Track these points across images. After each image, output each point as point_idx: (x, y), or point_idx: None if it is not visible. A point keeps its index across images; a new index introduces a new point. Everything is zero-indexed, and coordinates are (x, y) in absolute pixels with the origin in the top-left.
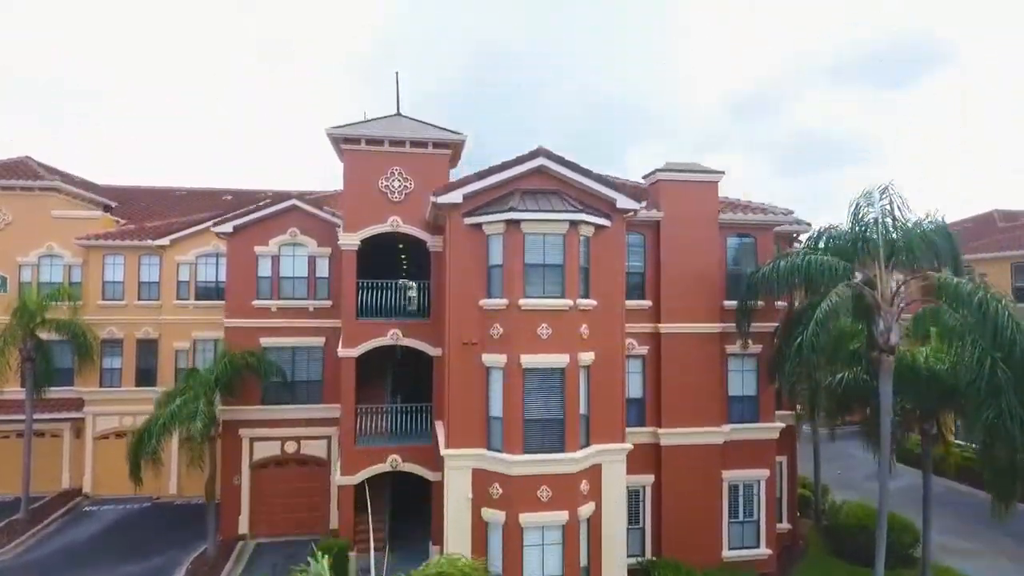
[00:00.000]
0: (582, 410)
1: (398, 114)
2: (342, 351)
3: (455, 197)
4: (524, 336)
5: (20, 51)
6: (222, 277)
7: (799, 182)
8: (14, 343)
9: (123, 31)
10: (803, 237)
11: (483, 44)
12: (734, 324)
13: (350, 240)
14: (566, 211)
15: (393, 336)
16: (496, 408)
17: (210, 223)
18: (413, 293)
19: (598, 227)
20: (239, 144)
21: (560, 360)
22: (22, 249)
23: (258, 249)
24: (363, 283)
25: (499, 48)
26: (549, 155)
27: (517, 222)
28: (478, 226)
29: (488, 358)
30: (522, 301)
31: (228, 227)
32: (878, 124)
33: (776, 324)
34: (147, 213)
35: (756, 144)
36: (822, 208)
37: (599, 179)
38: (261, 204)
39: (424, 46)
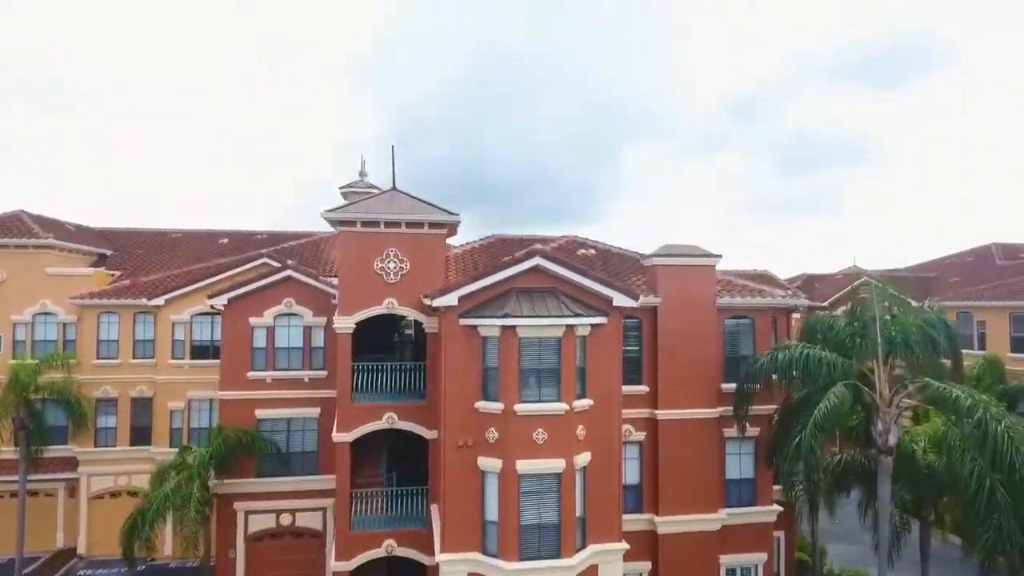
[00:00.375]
0: (578, 512)
1: (394, 189)
2: (337, 436)
3: (451, 300)
4: (519, 442)
5: (20, 51)
6: (217, 336)
7: (799, 182)
8: (7, 413)
9: (123, 31)
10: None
11: (483, 44)
12: (732, 407)
13: (345, 323)
14: (562, 316)
15: (388, 420)
16: (491, 512)
17: (205, 282)
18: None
19: (595, 324)
20: (239, 145)
21: (556, 465)
22: (16, 307)
23: (253, 320)
24: (358, 365)
25: (499, 48)
26: (544, 255)
27: (513, 327)
28: (474, 326)
29: (483, 462)
30: (518, 407)
31: (223, 300)
32: (878, 124)
33: (775, 406)
34: (142, 262)
35: (756, 144)
36: (822, 208)
37: (596, 278)
38: (257, 261)
39: (424, 46)
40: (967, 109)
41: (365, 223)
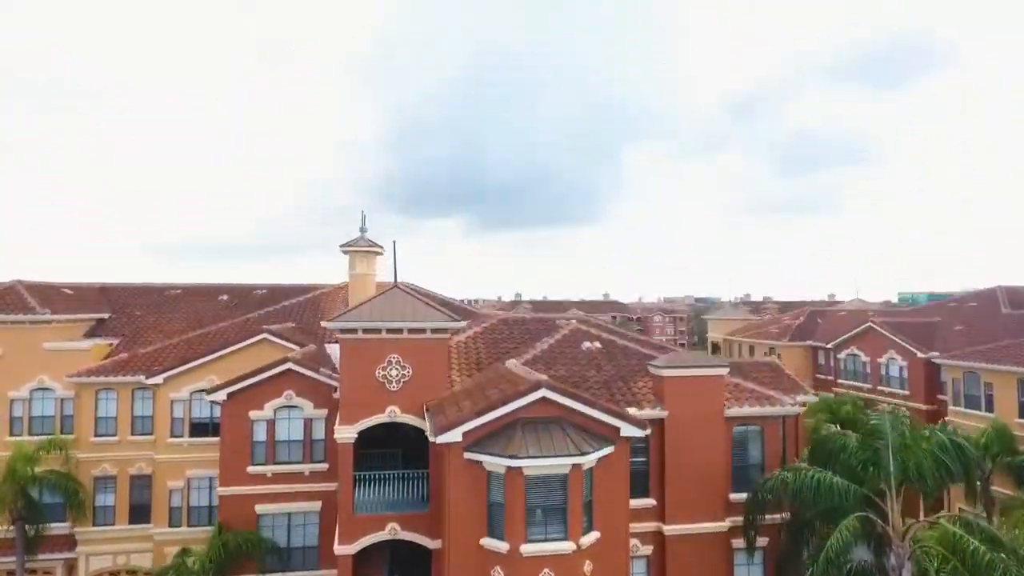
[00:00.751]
0: None
1: (395, 286)
2: (339, 548)
3: (454, 436)
4: None
5: (20, 51)
6: (216, 414)
7: (799, 182)
8: (4, 507)
9: (123, 31)
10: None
11: (483, 44)
12: (740, 517)
13: (347, 433)
14: (568, 455)
15: (391, 531)
16: None
17: (203, 360)
18: None
19: (602, 456)
20: (239, 145)
21: None
22: (13, 383)
23: (253, 414)
24: (360, 475)
25: (499, 48)
26: (550, 386)
27: (519, 467)
28: (479, 461)
29: None
30: (523, 547)
31: (222, 395)
32: (878, 124)
33: (784, 514)
34: (140, 326)
35: (756, 144)
36: (823, 208)
37: (603, 409)
38: (257, 337)
39: (424, 46)
40: (967, 109)
41: (367, 330)
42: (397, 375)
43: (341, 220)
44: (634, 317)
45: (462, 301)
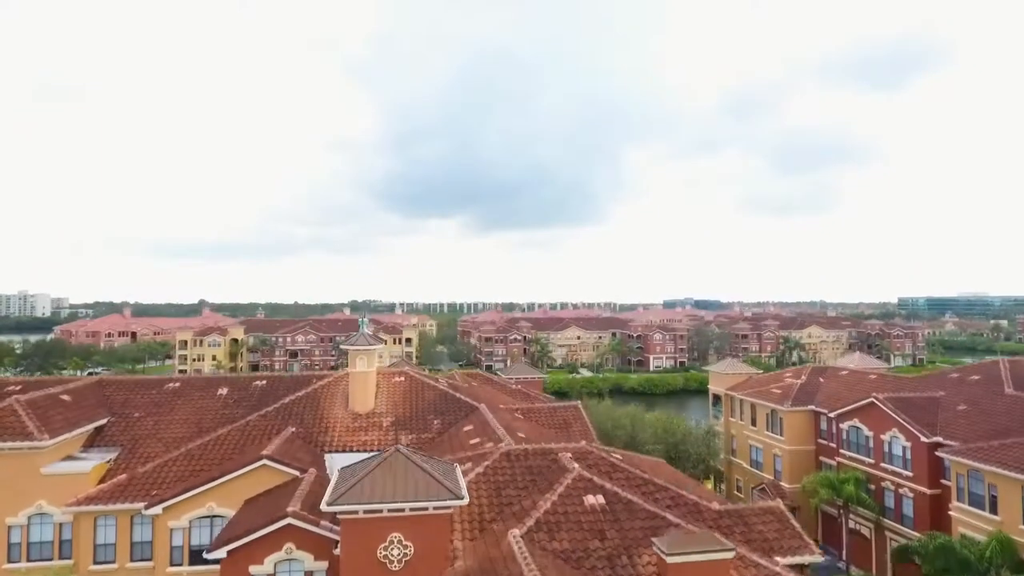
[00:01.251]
0: None
1: (397, 449)
2: None
3: None
4: None
5: (20, 51)
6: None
7: (797, 181)
8: None
9: (123, 31)
10: None
11: (483, 47)
12: None
13: None
14: None
15: None
16: None
17: (203, 488)
18: None
19: None
20: (238, 145)
21: None
22: (10, 509)
23: (253, 569)
24: None
25: (499, 49)
26: None
27: None
28: None
29: None
30: None
31: (222, 552)
32: (877, 124)
33: None
34: (139, 433)
35: (755, 144)
36: (822, 208)
37: None
38: (256, 463)
39: (422, 48)
40: (967, 109)
41: (368, 510)
42: (399, 555)
43: (341, 219)
44: (635, 335)
45: (461, 306)
